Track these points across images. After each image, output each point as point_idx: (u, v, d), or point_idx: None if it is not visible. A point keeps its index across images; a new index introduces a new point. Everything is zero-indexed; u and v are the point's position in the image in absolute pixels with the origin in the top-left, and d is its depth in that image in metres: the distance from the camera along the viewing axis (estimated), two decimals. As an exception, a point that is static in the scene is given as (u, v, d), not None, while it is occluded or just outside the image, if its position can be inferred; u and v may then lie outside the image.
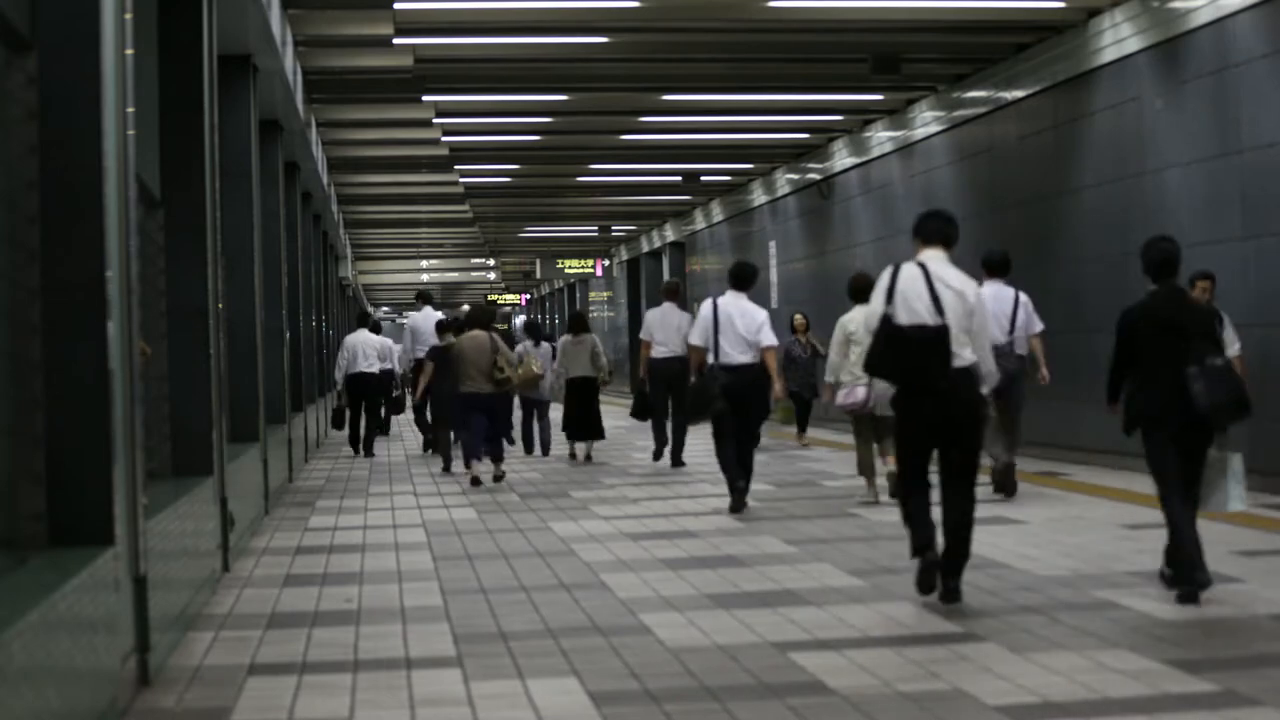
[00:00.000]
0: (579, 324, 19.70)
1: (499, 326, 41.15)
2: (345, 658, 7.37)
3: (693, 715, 6.05)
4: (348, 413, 22.28)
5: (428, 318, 21.20)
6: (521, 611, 8.46)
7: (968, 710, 5.96)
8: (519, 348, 20.09)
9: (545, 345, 20.56)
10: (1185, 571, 8.14)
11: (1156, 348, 8.37)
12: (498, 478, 15.94)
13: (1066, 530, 11.06)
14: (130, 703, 6.50)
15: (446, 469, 18.14)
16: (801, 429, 21.37)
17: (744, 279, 13.15)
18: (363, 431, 21.88)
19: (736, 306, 12.78)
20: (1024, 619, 7.74)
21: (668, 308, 17.28)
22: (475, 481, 16.04)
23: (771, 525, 11.89)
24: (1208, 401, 8.16)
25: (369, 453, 21.56)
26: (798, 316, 21.66)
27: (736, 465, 12.67)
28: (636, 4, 15.16)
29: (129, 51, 6.90)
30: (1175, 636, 7.18)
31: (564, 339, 19.65)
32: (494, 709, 6.24)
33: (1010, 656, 6.87)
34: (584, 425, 18.86)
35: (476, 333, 16.36)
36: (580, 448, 19.31)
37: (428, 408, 19.96)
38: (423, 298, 22.91)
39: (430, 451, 20.77)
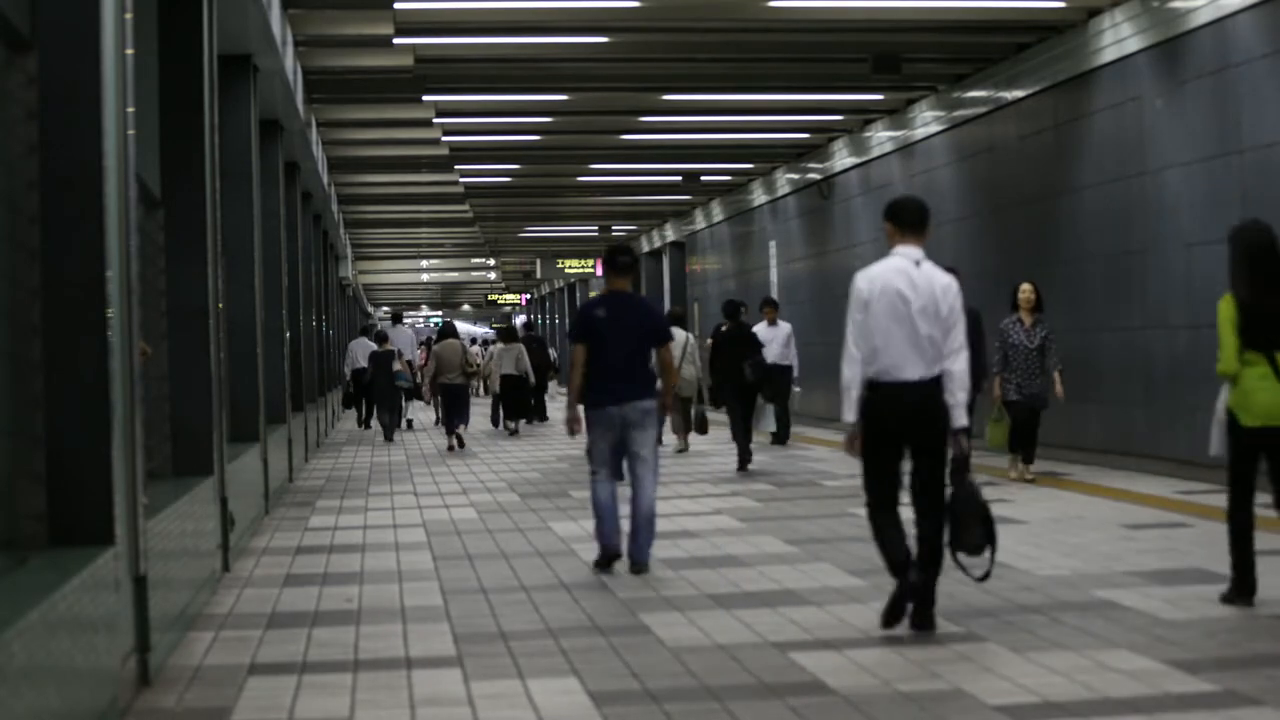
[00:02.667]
0: (509, 335, 26.37)
1: (499, 325, 43.11)
2: (345, 658, 7.37)
3: (693, 715, 6.05)
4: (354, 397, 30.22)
5: (400, 331, 31.48)
6: (521, 611, 8.47)
7: (968, 710, 5.96)
8: (477, 348, 27.21)
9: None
10: (743, 453, 16.95)
11: (730, 354, 17.47)
12: (461, 444, 22.26)
13: (1067, 530, 11.06)
14: (130, 703, 6.50)
15: (386, 439, 25.20)
16: (1027, 456, 14.57)
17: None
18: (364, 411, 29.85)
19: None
20: (1024, 619, 7.74)
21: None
22: (452, 448, 22.09)
23: (771, 525, 11.90)
24: (752, 379, 17.32)
25: (369, 425, 28.99)
26: (1024, 286, 14.61)
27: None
28: (636, 4, 15.16)
29: (129, 51, 6.90)
30: (1175, 636, 7.18)
31: (497, 345, 25.84)
32: (494, 709, 6.24)
33: (1010, 656, 6.87)
34: (516, 408, 25.95)
35: (451, 341, 23.34)
36: (514, 424, 26.08)
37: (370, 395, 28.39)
38: (396, 318, 34.78)
39: (363, 426, 29.18)
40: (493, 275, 54.22)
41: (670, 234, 38.53)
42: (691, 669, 6.83)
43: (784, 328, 20.64)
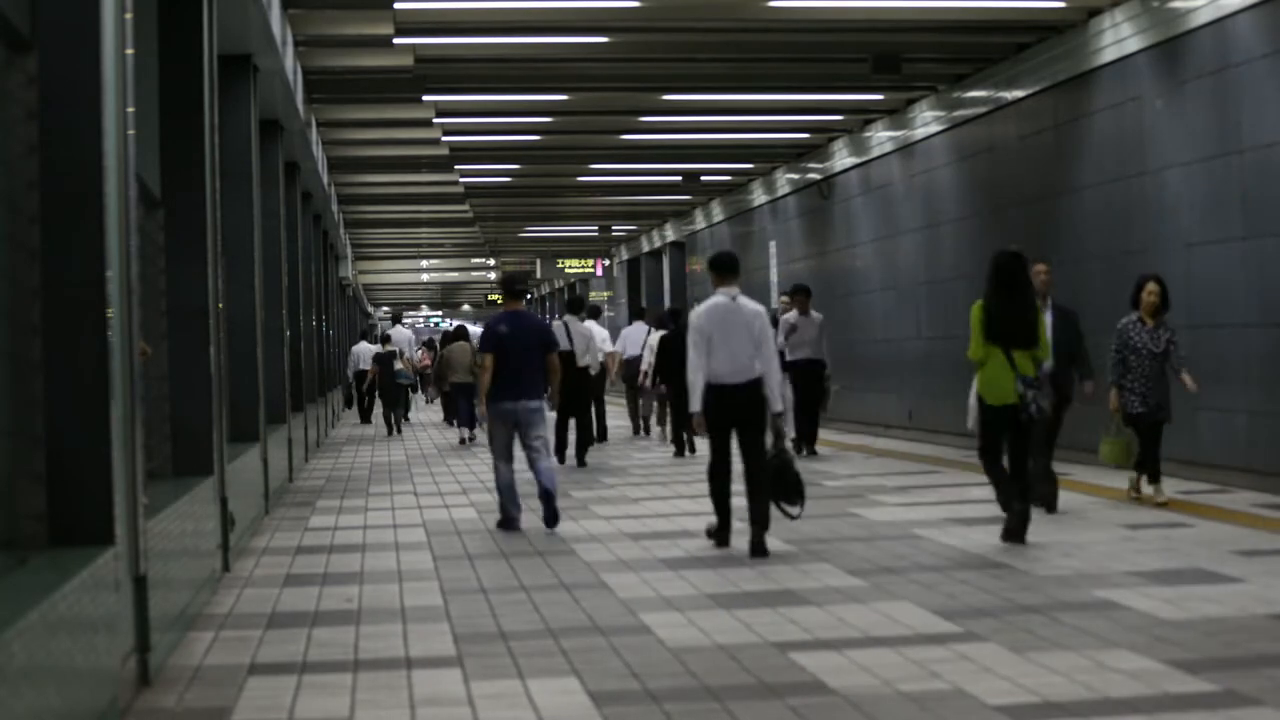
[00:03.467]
0: None
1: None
2: (345, 658, 7.37)
3: (693, 715, 6.05)
4: (355, 396, 33.06)
5: (399, 332, 33.82)
6: (521, 611, 8.47)
7: (968, 710, 5.96)
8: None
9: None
10: (679, 445, 19.66)
11: (673, 354, 17.50)
12: (472, 439, 23.85)
13: (1067, 530, 11.05)
14: (130, 703, 6.50)
15: (390, 433, 27.73)
16: (1153, 475, 12.33)
17: (587, 310, 20.90)
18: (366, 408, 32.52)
19: (579, 329, 19.31)
20: (1024, 619, 7.74)
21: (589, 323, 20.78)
22: (463, 440, 24.00)
23: (772, 525, 11.88)
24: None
25: (369, 420, 31.64)
26: (1150, 285, 12.35)
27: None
28: (636, 4, 15.17)
29: (129, 51, 6.90)
30: (1175, 636, 7.18)
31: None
32: (494, 709, 6.24)
33: (1010, 656, 6.87)
34: None
35: (461, 343, 24.79)
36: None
37: (373, 393, 30.71)
38: (395, 319, 38.36)
39: (364, 422, 31.76)
40: (493, 275, 54.20)
41: (670, 234, 38.53)
42: (691, 669, 6.83)
43: (817, 318, 18.95)
